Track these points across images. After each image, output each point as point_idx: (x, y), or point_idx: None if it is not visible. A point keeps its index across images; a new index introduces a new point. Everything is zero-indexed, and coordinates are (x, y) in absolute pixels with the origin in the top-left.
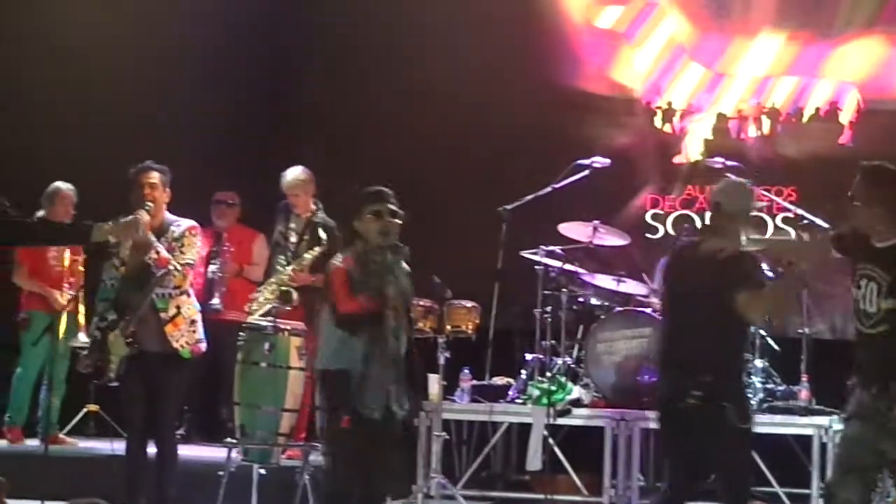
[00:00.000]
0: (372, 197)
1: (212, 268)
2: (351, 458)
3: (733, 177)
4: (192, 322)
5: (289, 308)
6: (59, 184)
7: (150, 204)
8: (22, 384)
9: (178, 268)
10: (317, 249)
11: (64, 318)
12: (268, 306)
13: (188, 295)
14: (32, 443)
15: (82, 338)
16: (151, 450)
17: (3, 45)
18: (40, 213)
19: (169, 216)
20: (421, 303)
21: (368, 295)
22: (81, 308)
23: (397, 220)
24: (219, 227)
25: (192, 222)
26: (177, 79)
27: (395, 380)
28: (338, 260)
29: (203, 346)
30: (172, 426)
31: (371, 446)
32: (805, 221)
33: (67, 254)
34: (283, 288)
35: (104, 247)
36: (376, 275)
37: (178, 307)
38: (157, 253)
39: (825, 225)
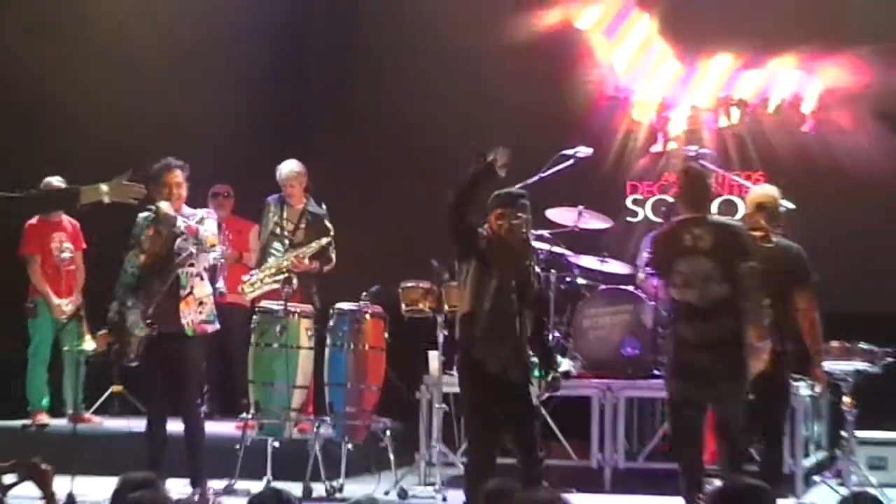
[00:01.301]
0: (508, 199)
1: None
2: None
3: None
4: (201, 303)
5: (292, 292)
6: (50, 179)
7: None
8: (36, 370)
9: (209, 232)
10: (324, 240)
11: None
12: (265, 288)
13: (202, 279)
14: (61, 422)
15: (89, 346)
16: (171, 427)
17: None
18: None
19: (186, 209)
20: (421, 284)
21: None
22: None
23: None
24: (217, 217)
25: (207, 209)
26: (169, 77)
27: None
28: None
29: (209, 327)
30: (195, 404)
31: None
32: None
33: (68, 246)
34: (285, 274)
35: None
36: None
37: (192, 287)
38: (184, 222)
39: (792, 206)
